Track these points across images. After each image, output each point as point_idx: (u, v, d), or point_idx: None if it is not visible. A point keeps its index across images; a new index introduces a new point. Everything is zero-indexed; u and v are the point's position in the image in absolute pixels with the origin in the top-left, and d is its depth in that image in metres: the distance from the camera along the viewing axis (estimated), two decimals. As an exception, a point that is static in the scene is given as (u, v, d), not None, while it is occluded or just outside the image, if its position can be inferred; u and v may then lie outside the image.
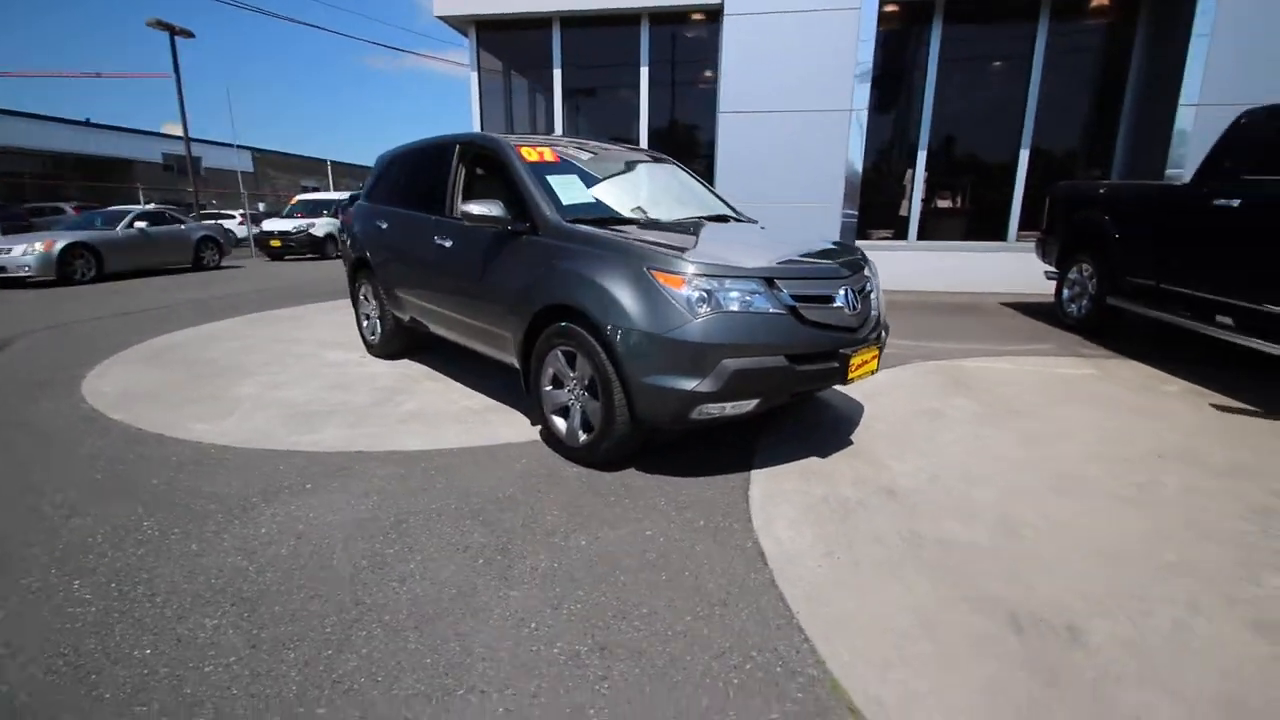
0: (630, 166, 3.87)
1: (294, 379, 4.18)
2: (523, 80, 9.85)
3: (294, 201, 16.18)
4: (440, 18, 8.49)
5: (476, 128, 9.09)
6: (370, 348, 4.79)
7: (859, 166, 7.55)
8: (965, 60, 7.99)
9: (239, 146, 32.00)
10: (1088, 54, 7.90)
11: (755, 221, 3.84)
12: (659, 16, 8.24)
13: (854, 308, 2.72)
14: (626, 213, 3.30)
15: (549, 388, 2.96)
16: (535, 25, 8.55)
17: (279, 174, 38.16)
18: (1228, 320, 4.04)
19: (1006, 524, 2.35)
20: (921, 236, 8.41)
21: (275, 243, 14.36)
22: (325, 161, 41.37)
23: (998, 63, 8.05)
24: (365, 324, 4.82)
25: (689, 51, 8.52)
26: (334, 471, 2.77)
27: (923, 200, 8.35)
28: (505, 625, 1.76)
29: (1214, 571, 2.05)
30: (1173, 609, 1.86)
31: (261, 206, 30.85)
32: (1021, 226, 8.24)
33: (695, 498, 2.54)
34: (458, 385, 4.07)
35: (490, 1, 8.30)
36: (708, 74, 8.41)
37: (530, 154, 3.32)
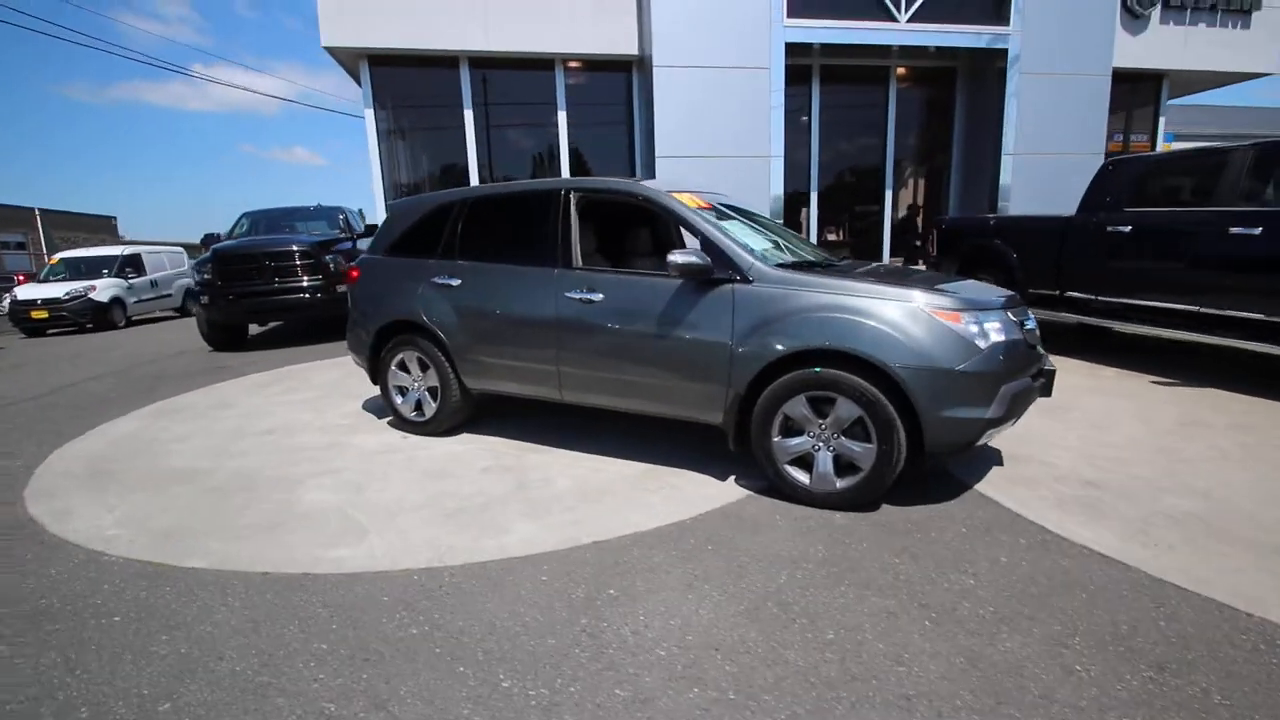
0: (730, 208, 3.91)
1: (365, 478, 3.37)
2: (406, 119, 9.09)
3: (54, 261, 12.60)
4: (328, 49, 7.52)
5: (374, 170, 8.15)
6: (413, 425, 4.04)
7: (781, 206, 8.37)
8: (840, 113, 9.37)
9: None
10: (925, 113, 9.78)
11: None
12: (575, 63, 8.29)
13: (1036, 331, 3.13)
14: (795, 255, 3.39)
15: (778, 438, 2.87)
16: (441, 64, 8.01)
17: (-39, 226, 29.13)
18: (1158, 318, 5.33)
19: (1195, 490, 2.89)
20: (819, 265, 9.53)
21: (39, 314, 11.03)
22: (33, 210, 32.89)
23: (862, 118, 9.57)
24: (400, 400, 4.06)
25: (610, 95, 8.68)
26: (607, 570, 2.37)
27: (817, 234, 9.50)
28: (1044, 664, 1.73)
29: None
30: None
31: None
32: (891, 253, 9.81)
33: (974, 518, 2.68)
34: (569, 453, 3.65)
35: (389, 35, 7.59)
36: (632, 119, 8.65)
37: (693, 202, 3.22)
